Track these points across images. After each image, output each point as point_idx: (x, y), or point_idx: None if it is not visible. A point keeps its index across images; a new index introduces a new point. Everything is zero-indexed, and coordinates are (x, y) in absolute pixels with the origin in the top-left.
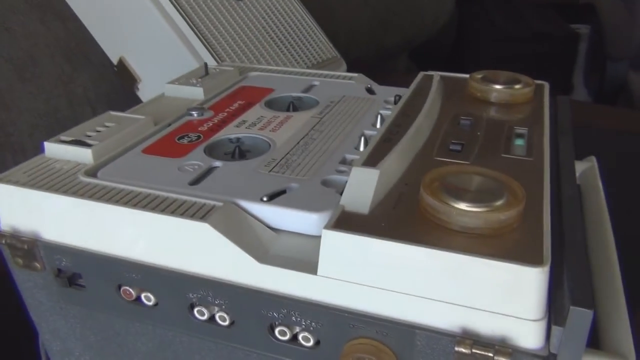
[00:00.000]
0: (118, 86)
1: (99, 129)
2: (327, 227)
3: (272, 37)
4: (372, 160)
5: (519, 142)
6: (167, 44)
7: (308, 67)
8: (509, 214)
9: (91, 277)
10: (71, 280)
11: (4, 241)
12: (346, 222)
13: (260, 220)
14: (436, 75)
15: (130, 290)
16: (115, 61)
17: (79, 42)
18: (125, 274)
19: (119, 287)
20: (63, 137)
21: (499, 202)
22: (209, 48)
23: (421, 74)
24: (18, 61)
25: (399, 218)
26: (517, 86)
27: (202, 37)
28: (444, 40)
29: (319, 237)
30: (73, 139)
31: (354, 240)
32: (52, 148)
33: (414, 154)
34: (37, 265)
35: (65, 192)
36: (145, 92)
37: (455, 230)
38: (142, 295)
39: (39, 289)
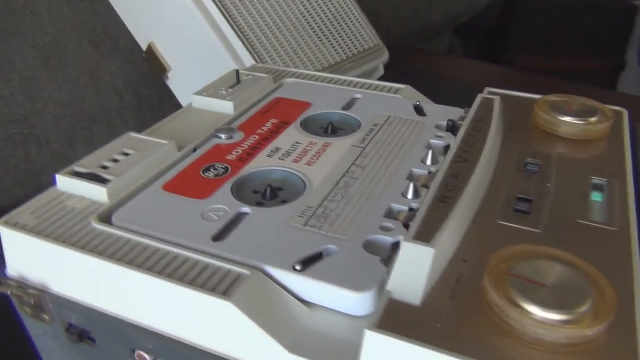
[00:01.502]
0: (147, 74)
1: (116, 157)
2: (370, 326)
3: (311, 24)
4: (424, 230)
5: (597, 197)
6: (199, 32)
7: (348, 57)
8: (597, 329)
9: (103, 337)
10: (82, 334)
11: (9, 291)
12: (394, 318)
13: (291, 292)
14: (496, 99)
15: (146, 356)
16: (144, 47)
17: (107, 26)
18: (139, 341)
19: (133, 350)
20: (77, 169)
21: (583, 308)
22: (242, 38)
23: (479, 97)
24: (43, 47)
25: (458, 316)
26: (593, 119)
27: (235, 26)
28: (489, 12)
29: (359, 317)
30: (88, 171)
31: (402, 347)
32: (64, 182)
33: (473, 214)
34: (46, 317)
35: (75, 244)
36: (175, 81)
37: (528, 341)
38: None
39: (49, 337)
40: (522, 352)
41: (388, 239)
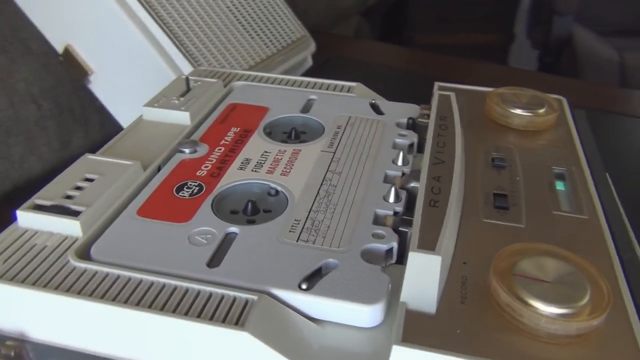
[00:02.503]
0: (65, 78)
1: (80, 184)
2: (397, 341)
3: (239, 19)
4: (425, 237)
5: (561, 186)
6: (123, 31)
7: (278, 50)
8: (601, 319)
9: None
10: None
11: None
12: (415, 329)
13: (299, 311)
14: (452, 96)
15: None
16: (60, 50)
17: (14, 28)
18: None
19: None
20: (39, 202)
21: (585, 300)
22: (171, 36)
23: (437, 95)
24: None
25: (473, 319)
26: (541, 110)
27: (162, 24)
28: None
29: (370, 329)
30: (52, 203)
31: (431, 358)
32: (27, 218)
33: (460, 214)
34: None
35: (58, 288)
36: (98, 85)
37: (542, 337)
38: None
39: None
40: (540, 348)
41: (383, 247)
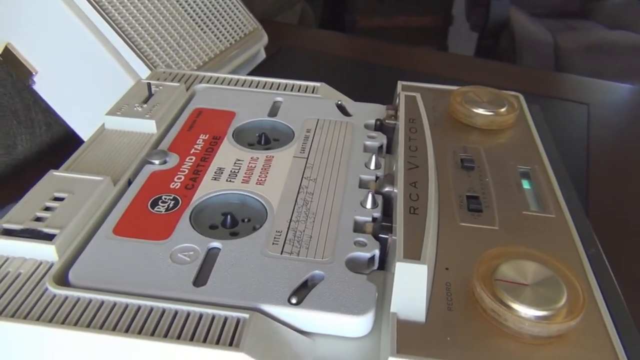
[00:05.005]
0: (6, 79)
1: (49, 204)
2: (392, 353)
3: (191, 14)
4: (409, 246)
5: (527, 185)
6: (68, 28)
7: (232, 45)
8: (579, 319)
9: None
10: None
11: None
12: (408, 340)
13: (290, 325)
14: (418, 97)
15: None
16: None
17: None
18: None
19: None
20: (8, 226)
21: (563, 301)
22: (119, 31)
23: (403, 96)
24: None
25: (461, 325)
26: (502, 110)
27: (111, 21)
28: None
29: (360, 338)
30: (22, 227)
31: None
32: None
33: (438, 220)
34: None
35: (39, 319)
36: (43, 85)
37: (527, 339)
38: None
39: None
40: (525, 350)
41: (366, 255)
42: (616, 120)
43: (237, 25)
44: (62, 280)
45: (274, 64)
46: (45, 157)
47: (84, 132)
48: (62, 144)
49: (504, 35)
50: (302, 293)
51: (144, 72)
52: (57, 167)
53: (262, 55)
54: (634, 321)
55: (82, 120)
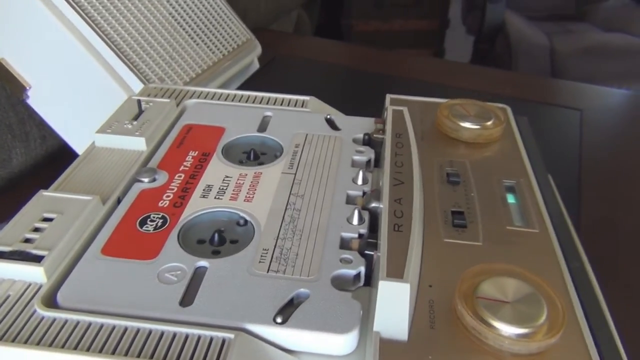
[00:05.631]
0: (1, 93)
1: (38, 225)
2: None
3: (184, 26)
4: (392, 264)
5: (512, 199)
6: (62, 43)
7: (225, 56)
8: (558, 336)
9: None
10: None
11: None
12: (391, 358)
13: (275, 344)
14: (405, 112)
15: None
16: None
17: None
18: None
19: None
20: None
21: (543, 318)
22: (112, 45)
23: (390, 110)
24: None
25: (443, 343)
26: (489, 123)
27: (103, 35)
28: None
29: (346, 356)
30: (11, 249)
31: None
32: None
33: (422, 236)
34: None
35: (27, 342)
36: (37, 99)
37: (505, 357)
38: None
39: None
40: None
41: (352, 272)
42: (609, 125)
43: (230, 37)
44: (51, 301)
45: (268, 73)
46: (41, 169)
47: (78, 145)
48: (57, 156)
49: (499, 38)
50: (287, 312)
51: (136, 85)
52: (52, 180)
53: (256, 66)
54: (627, 324)
55: (76, 134)
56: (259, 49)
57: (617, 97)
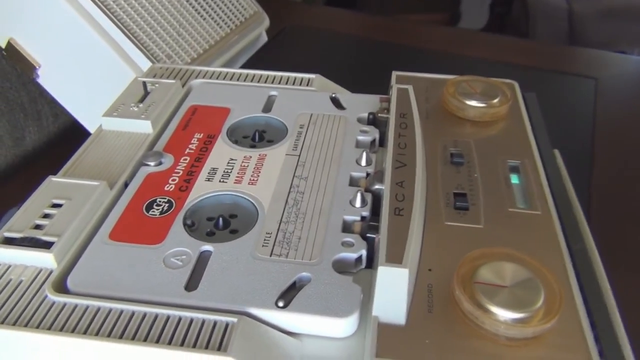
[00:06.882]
0: (11, 72)
1: (47, 211)
2: (371, 357)
3: (192, 3)
4: (392, 249)
5: (515, 179)
6: (68, 22)
7: (232, 30)
8: (554, 321)
9: None
10: None
11: None
12: (388, 343)
13: (278, 327)
14: (410, 90)
15: None
16: (2, 44)
17: None
18: None
19: None
20: (9, 234)
21: (539, 303)
22: (119, 24)
23: (395, 89)
24: None
25: (440, 328)
26: (495, 101)
27: (110, 13)
28: None
29: (346, 338)
30: (22, 236)
31: None
32: None
33: (423, 219)
34: None
35: (39, 326)
36: (47, 78)
37: (503, 341)
38: None
39: None
40: (501, 351)
41: (353, 255)
42: (625, 94)
43: (238, 10)
44: (61, 286)
45: (277, 45)
46: (55, 147)
47: (89, 123)
48: (70, 133)
49: (516, 1)
50: (289, 295)
51: (144, 63)
52: (66, 157)
53: (264, 39)
54: (630, 301)
55: (86, 112)
56: (266, 22)
57: (635, 64)
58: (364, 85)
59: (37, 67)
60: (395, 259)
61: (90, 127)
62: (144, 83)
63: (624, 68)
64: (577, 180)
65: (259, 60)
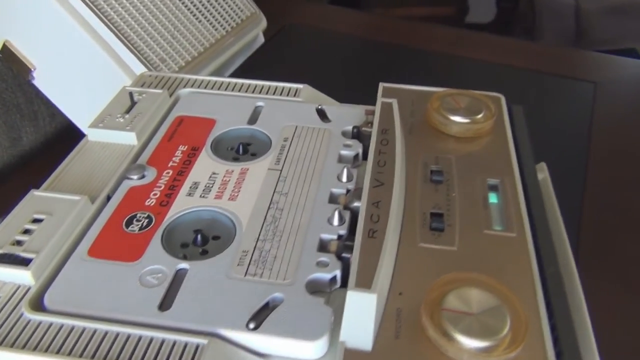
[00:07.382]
0: (6, 74)
1: (28, 226)
2: None
3: (186, 3)
4: (363, 273)
5: (493, 198)
6: (60, 24)
7: (228, 32)
8: (518, 350)
9: None
10: None
11: None
12: None
13: (249, 349)
14: (394, 104)
15: None
16: None
17: None
18: None
19: None
20: None
21: (505, 331)
22: (112, 27)
23: (379, 103)
24: None
25: (406, 354)
26: (479, 116)
27: (103, 16)
28: None
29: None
30: (1, 252)
31: None
32: None
33: (397, 240)
34: None
35: (13, 345)
36: (43, 80)
37: None
38: None
39: None
40: None
41: (327, 276)
42: (624, 99)
43: (234, 11)
44: (38, 304)
45: (275, 45)
46: (52, 146)
47: (84, 125)
48: (67, 133)
49: None
50: (261, 316)
51: (137, 66)
52: (62, 156)
53: (261, 40)
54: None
55: (81, 114)
56: (264, 23)
57: (635, 68)
58: (362, 87)
59: (32, 69)
60: (365, 283)
61: (85, 129)
62: (131, 93)
63: (624, 72)
64: (571, 188)
65: (257, 60)
